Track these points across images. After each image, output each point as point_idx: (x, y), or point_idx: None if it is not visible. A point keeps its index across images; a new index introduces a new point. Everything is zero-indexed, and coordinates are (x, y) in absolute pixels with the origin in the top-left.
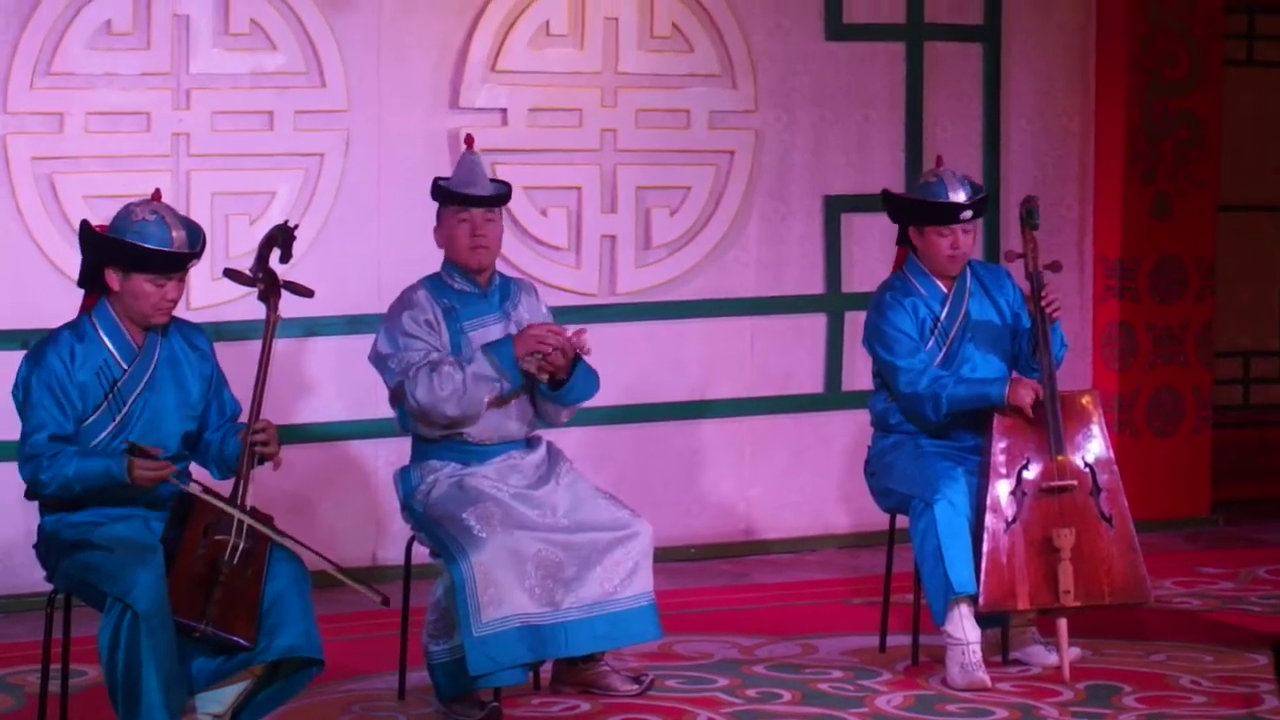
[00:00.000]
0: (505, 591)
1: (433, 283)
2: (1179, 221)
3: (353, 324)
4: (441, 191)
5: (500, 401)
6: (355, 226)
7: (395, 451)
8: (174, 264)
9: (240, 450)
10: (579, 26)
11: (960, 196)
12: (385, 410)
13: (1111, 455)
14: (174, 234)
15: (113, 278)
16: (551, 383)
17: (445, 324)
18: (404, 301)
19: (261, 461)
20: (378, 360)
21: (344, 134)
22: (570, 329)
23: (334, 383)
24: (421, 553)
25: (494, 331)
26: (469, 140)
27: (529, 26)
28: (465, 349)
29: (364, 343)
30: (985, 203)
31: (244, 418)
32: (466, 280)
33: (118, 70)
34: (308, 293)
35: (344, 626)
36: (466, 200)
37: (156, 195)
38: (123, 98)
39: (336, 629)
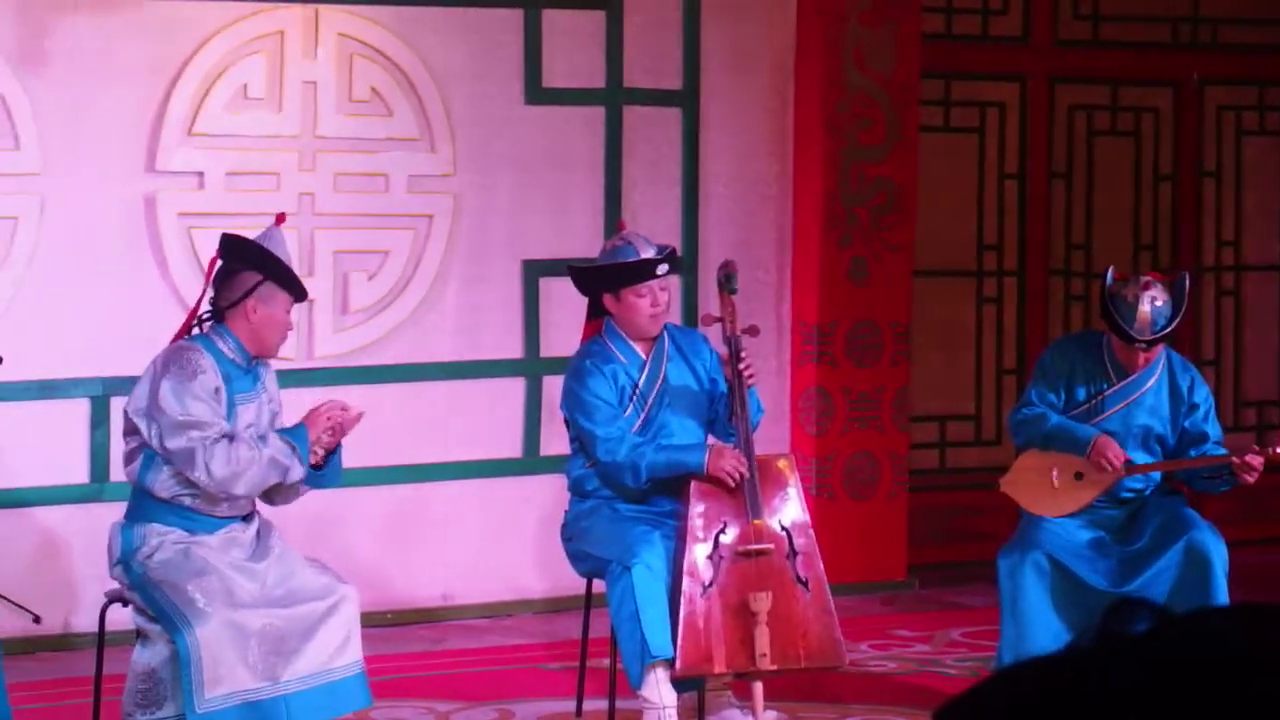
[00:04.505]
0: (228, 668)
1: (209, 348)
2: (875, 286)
3: (44, 389)
4: (286, 274)
5: (289, 488)
6: (49, 292)
7: (87, 517)
8: None
9: None
10: (277, 90)
11: (651, 253)
12: (78, 477)
13: (808, 519)
14: None
15: None
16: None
17: (225, 395)
18: (190, 362)
19: None
20: (153, 414)
21: (38, 197)
22: (353, 409)
23: (24, 449)
24: (115, 620)
25: (253, 407)
26: (280, 218)
27: (227, 89)
28: (234, 423)
29: (57, 407)
30: (678, 258)
31: None
32: (239, 352)
33: None
34: None
35: (35, 695)
36: (302, 294)
37: None
38: None
39: (27, 697)
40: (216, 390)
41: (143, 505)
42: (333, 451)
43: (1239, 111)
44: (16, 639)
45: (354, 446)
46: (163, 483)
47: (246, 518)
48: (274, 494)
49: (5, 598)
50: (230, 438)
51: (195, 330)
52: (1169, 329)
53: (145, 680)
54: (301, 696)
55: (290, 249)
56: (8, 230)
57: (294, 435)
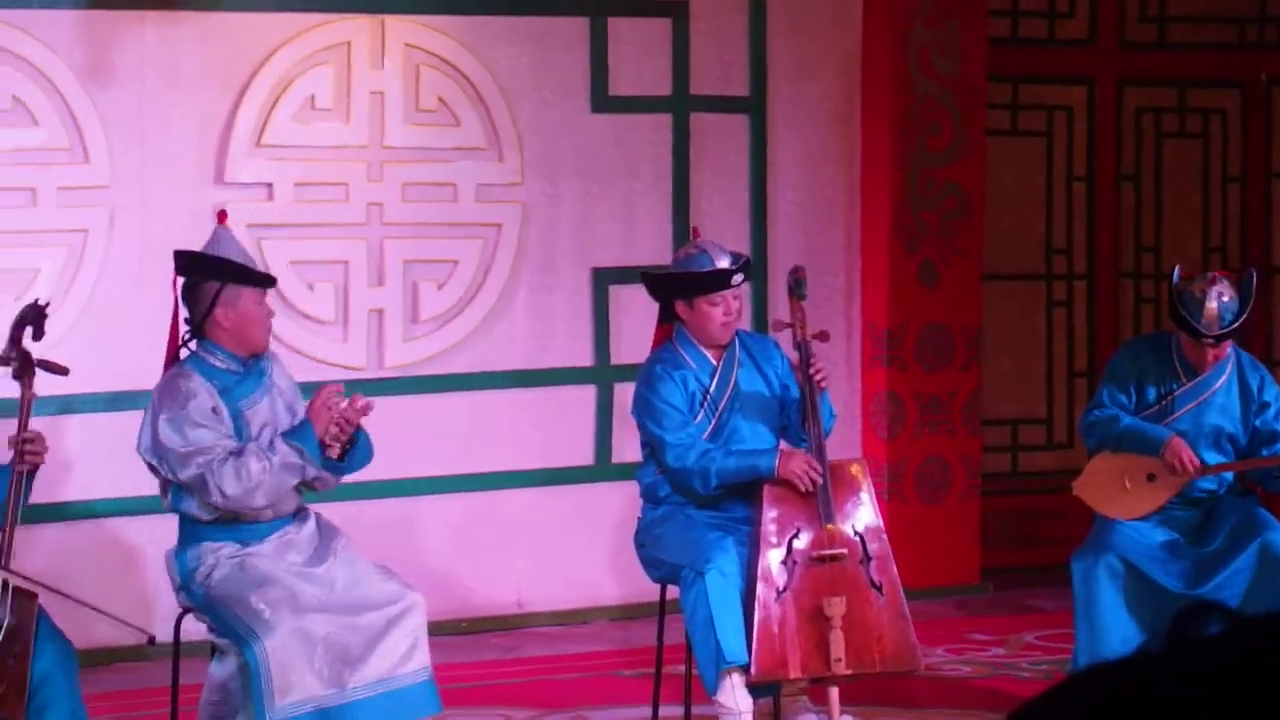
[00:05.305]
0: (298, 676)
1: (197, 366)
2: (945, 290)
3: (114, 401)
4: (240, 271)
5: (303, 485)
6: (119, 303)
7: (159, 528)
8: None
9: (9, 480)
10: (344, 101)
11: (725, 263)
12: (149, 488)
13: (881, 523)
14: None
15: None
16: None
17: (225, 407)
18: (180, 391)
19: (31, 475)
20: (159, 452)
21: (108, 210)
22: (343, 400)
23: (96, 460)
24: (190, 631)
25: (263, 405)
26: (223, 215)
27: (294, 101)
28: (244, 430)
29: (128, 419)
30: (749, 266)
31: None
32: (230, 359)
33: None
34: (62, 370)
35: (111, 704)
36: (266, 282)
37: None
38: None
39: (104, 707)
40: (214, 409)
41: (190, 529)
42: (353, 441)
43: None
44: (94, 650)
45: (427, 455)
46: (200, 506)
47: (298, 516)
48: (308, 484)
49: (118, 618)
50: (237, 453)
51: (184, 352)
52: (1236, 324)
53: (217, 693)
54: (369, 703)
55: (360, 257)
56: (78, 243)
57: (299, 437)
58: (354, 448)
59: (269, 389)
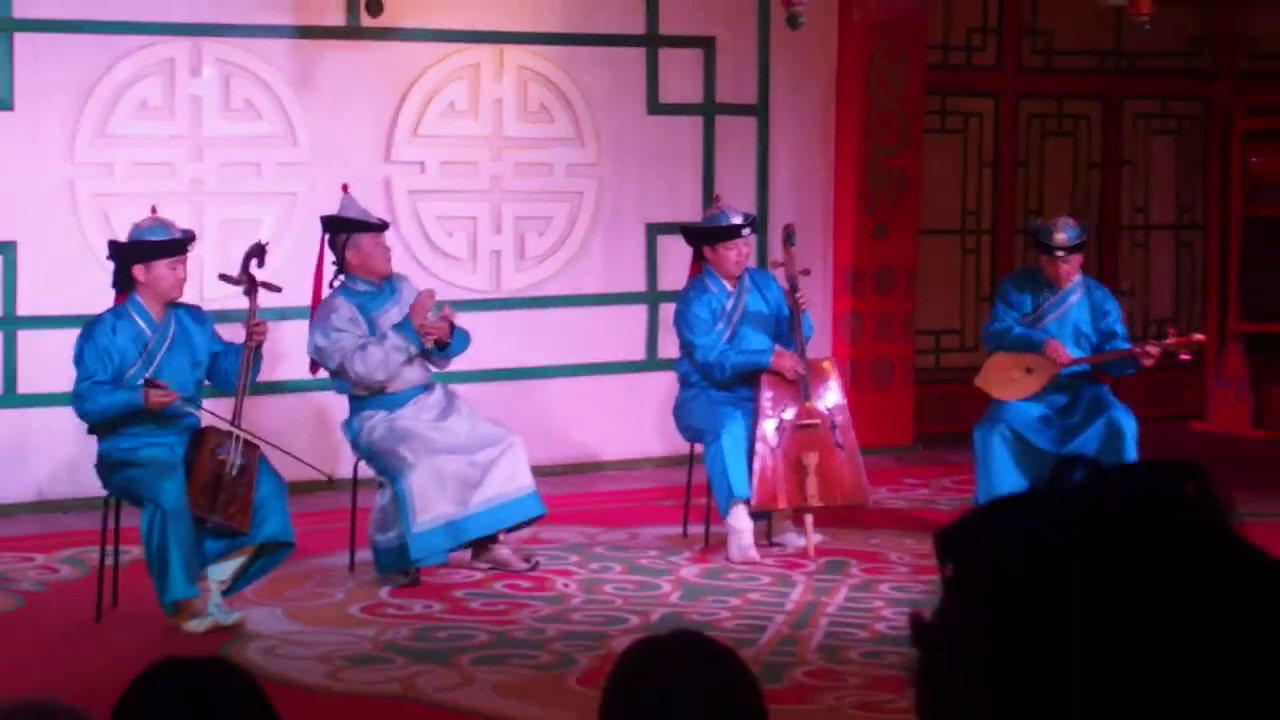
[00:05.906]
0: (432, 502)
1: (343, 292)
2: (892, 241)
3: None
4: (358, 224)
5: (409, 361)
6: (317, 243)
7: (345, 400)
8: (176, 247)
9: (241, 357)
10: (475, 105)
11: (738, 220)
12: None
13: (844, 402)
14: (170, 228)
15: (139, 271)
16: (438, 345)
17: (361, 316)
18: (328, 307)
19: (258, 355)
20: (317, 352)
21: (310, 179)
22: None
23: (300, 352)
24: (365, 470)
25: (393, 313)
26: (345, 187)
27: (441, 104)
28: (377, 331)
29: None
30: (756, 222)
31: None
32: (366, 284)
33: (150, 134)
34: (277, 289)
35: (311, 521)
36: (378, 228)
37: (153, 210)
38: (149, 152)
39: (306, 524)
40: (350, 318)
41: (353, 403)
42: (451, 332)
43: (1148, 118)
44: (300, 483)
45: (530, 351)
46: (351, 385)
47: (428, 387)
48: (429, 363)
49: (307, 463)
50: (363, 346)
51: (338, 282)
52: (1079, 244)
53: (379, 513)
54: (487, 513)
55: (485, 214)
56: (289, 202)
57: (403, 328)
58: (453, 339)
59: (398, 301)
